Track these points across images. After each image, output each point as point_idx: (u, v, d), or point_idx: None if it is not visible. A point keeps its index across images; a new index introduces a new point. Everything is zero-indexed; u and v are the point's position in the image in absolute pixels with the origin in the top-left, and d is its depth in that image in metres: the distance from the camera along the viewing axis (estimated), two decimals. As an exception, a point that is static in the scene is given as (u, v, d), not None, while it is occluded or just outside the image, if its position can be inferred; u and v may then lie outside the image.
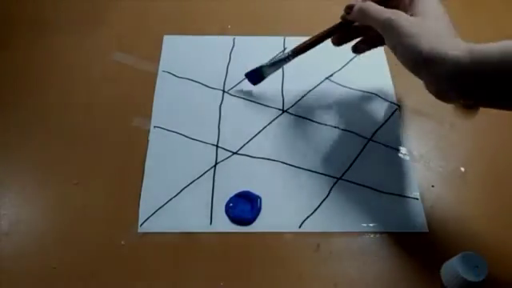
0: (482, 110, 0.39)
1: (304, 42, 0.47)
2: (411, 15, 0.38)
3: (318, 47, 0.53)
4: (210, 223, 0.43)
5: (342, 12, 0.44)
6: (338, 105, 0.52)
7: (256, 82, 0.52)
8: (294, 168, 0.47)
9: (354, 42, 0.47)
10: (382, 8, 0.39)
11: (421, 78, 0.37)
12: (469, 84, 0.34)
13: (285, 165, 0.47)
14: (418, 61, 0.36)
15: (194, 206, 0.44)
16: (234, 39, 0.58)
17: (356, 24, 0.45)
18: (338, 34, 0.46)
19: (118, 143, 0.48)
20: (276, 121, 0.50)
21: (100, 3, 0.62)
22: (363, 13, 0.40)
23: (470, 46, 0.34)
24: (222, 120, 0.50)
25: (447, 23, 0.37)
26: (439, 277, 0.40)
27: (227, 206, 0.44)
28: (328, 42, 0.46)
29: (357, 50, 0.47)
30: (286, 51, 0.48)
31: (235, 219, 0.43)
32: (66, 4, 0.61)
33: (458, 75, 0.34)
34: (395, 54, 0.39)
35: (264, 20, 0.60)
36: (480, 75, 0.33)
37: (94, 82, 0.53)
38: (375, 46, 0.46)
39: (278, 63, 0.49)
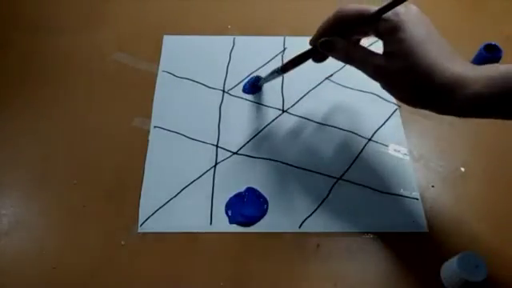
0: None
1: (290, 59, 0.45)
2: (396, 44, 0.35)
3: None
4: (210, 223, 0.43)
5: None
6: (338, 105, 0.52)
7: (254, 91, 0.53)
8: (293, 168, 0.47)
9: None
10: (370, 52, 0.37)
11: (429, 107, 0.36)
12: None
13: (285, 165, 0.47)
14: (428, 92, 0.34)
15: (194, 206, 0.44)
16: (233, 39, 0.58)
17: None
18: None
19: (118, 143, 0.48)
20: (276, 121, 0.50)
21: (100, 3, 0.62)
22: (349, 58, 0.39)
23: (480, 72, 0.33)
24: (222, 120, 0.50)
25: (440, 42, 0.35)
26: (439, 277, 0.40)
27: (227, 206, 0.44)
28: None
29: None
30: (276, 67, 0.48)
31: (235, 219, 0.43)
32: (66, 4, 0.61)
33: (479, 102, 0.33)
34: (395, 93, 0.37)
35: (264, 20, 0.60)
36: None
37: (94, 82, 0.53)
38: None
39: (270, 75, 0.49)
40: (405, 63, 0.34)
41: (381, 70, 0.36)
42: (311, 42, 0.41)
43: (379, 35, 0.37)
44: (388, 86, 0.36)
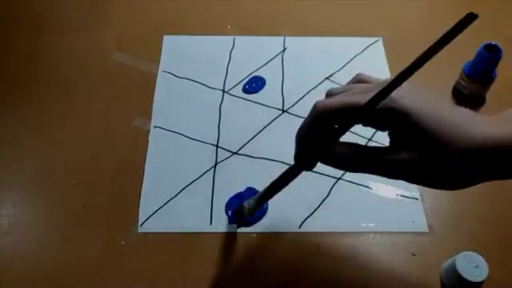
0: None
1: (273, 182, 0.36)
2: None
3: (318, 48, 0.53)
4: (210, 223, 0.43)
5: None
6: (338, 105, 0.52)
7: (237, 222, 0.43)
8: (294, 168, 0.47)
9: None
10: (378, 149, 0.30)
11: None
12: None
13: (285, 165, 0.47)
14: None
15: (194, 206, 0.44)
16: (234, 39, 0.58)
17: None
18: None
19: (118, 143, 0.48)
20: (276, 121, 0.50)
21: (100, 3, 0.62)
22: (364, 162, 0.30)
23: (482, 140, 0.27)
24: (222, 120, 0.50)
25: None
26: (439, 277, 0.40)
27: (227, 206, 0.44)
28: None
29: None
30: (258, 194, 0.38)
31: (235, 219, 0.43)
32: (65, 4, 0.61)
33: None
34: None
35: (264, 20, 0.60)
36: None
37: (94, 82, 0.53)
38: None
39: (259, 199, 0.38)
40: (423, 152, 0.28)
41: (396, 164, 0.29)
42: (298, 159, 0.35)
43: (378, 126, 0.30)
44: (411, 179, 0.30)
